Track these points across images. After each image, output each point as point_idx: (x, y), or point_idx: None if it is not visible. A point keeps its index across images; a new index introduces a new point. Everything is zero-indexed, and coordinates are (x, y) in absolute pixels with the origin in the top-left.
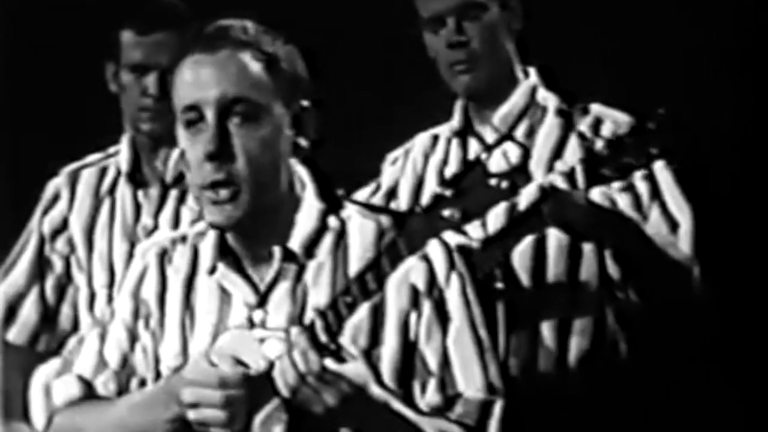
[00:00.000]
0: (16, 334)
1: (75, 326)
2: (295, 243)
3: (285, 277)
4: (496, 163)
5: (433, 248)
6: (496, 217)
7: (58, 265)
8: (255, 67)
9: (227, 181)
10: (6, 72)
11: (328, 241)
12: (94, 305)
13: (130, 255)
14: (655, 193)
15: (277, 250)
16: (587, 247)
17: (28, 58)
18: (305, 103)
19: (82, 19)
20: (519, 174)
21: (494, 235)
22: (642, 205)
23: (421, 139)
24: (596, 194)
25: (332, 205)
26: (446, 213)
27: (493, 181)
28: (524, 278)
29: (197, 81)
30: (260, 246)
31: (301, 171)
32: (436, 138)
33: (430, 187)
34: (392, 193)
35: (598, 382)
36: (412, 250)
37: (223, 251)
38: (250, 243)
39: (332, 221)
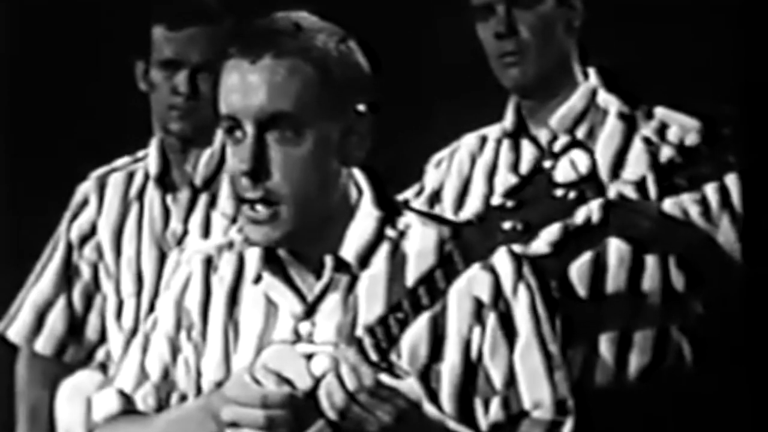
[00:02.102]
0: (42, 344)
1: (102, 336)
2: (349, 253)
3: (335, 288)
4: (563, 171)
5: (500, 257)
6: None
7: (86, 272)
8: (301, 78)
9: (265, 200)
10: (33, 74)
11: (384, 250)
12: (122, 314)
13: (160, 261)
14: (726, 201)
15: (328, 260)
16: (650, 260)
17: (55, 59)
18: (361, 107)
19: (112, 18)
20: (589, 184)
21: (553, 247)
22: (711, 214)
23: (468, 141)
24: (668, 204)
25: (390, 212)
26: (507, 225)
27: (559, 192)
28: (582, 291)
29: (237, 91)
30: (310, 254)
31: (359, 177)
32: (484, 139)
33: (477, 192)
34: (436, 197)
35: (663, 397)
36: (468, 263)
37: (270, 259)
38: (298, 251)
39: (389, 230)
